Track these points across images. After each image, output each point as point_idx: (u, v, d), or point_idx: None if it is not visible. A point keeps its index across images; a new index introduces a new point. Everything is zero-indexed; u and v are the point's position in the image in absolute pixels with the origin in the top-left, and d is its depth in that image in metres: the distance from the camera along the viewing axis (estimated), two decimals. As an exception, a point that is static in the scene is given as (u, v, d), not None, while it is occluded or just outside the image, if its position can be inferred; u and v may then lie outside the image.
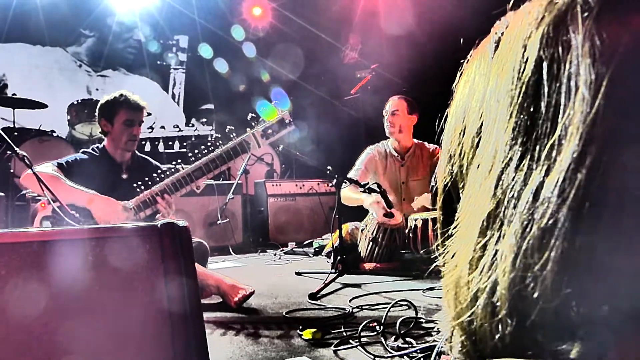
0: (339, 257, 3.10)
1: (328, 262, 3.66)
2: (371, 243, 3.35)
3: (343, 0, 5.88)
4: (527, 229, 0.27)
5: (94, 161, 2.81)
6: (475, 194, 0.32)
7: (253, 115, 2.60)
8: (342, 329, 2.04)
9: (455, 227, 0.34)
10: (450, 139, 0.37)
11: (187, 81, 7.24)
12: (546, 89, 0.28)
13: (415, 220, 3.32)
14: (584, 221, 0.25)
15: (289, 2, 6.46)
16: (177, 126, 7.02)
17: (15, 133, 4.82)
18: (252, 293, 2.50)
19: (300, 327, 2.04)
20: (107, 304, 0.73)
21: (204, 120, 7.19)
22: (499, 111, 0.31)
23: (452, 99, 0.38)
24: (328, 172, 3.10)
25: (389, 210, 3.21)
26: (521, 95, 0.29)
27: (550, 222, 0.26)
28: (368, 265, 3.38)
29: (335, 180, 3.04)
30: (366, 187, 3.04)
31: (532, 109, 0.29)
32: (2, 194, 4.09)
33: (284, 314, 2.37)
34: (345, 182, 3.14)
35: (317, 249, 4.32)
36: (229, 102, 6.88)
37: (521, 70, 0.30)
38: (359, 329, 1.92)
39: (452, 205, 0.37)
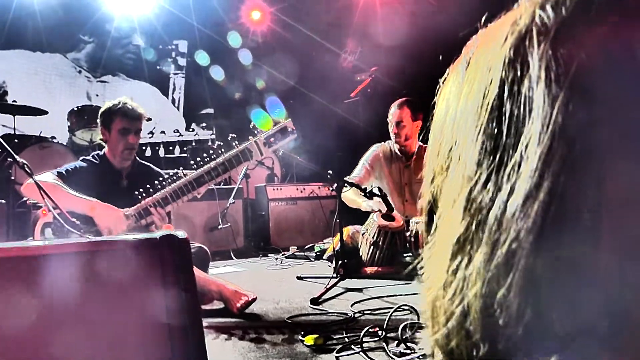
0: (340, 262, 3.09)
1: (330, 266, 3.65)
2: (372, 247, 3.35)
3: (342, 4, 5.89)
4: (493, 254, 0.27)
5: (93, 169, 2.81)
6: (446, 215, 0.32)
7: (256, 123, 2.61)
8: (344, 335, 2.03)
9: (429, 248, 0.34)
10: (430, 157, 0.37)
11: (187, 86, 7.24)
12: (507, 112, 0.28)
13: (417, 223, 3.31)
14: (545, 243, 0.26)
15: (288, 6, 6.46)
16: (178, 131, 7.03)
17: (16, 140, 4.82)
18: (254, 299, 2.49)
19: (302, 333, 2.04)
20: (105, 318, 0.73)
21: (204, 124, 7.19)
22: (467, 132, 0.31)
23: (432, 116, 0.39)
24: (329, 176, 3.09)
25: (389, 213, 3.21)
26: (486, 117, 0.30)
27: (513, 246, 0.26)
28: (369, 269, 3.38)
29: (336, 185, 3.04)
30: (367, 191, 3.04)
31: (496, 131, 0.29)
32: (3, 201, 4.09)
33: (286, 319, 2.36)
34: (346, 187, 3.14)
35: (318, 253, 4.31)
36: (229, 107, 6.88)
37: (485, 93, 0.30)
38: (361, 334, 1.91)
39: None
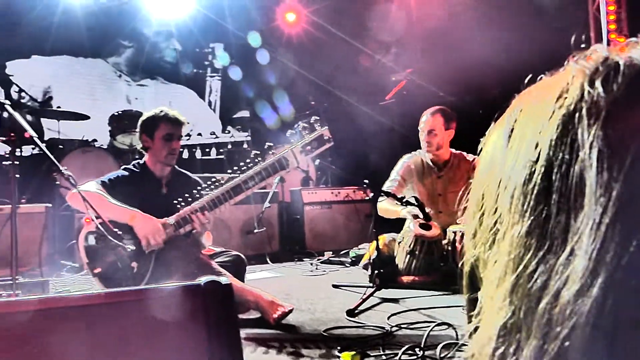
0: (376, 271, 3.06)
1: (365, 273, 3.63)
2: (409, 256, 3.30)
3: (377, 6, 5.83)
4: (544, 348, 0.26)
5: (134, 177, 2.87)
6: (492, 295, 0.31)
7: (292, 131, 2.61)
8: (382, 351, 2.01)
9: (474, 328, 0.33)
10: (471, 217, 0.36)
11: (223, 88, 7.34)
12: (556, 195, 0.27)
13: (455, 232, 3.25)
14: (598, 341, 0.24)
15: (322, 7, 6.45)
16: (214, 133, 7.13)
17: (60, 146, 5.01)
18: (291, 311, 2.50)
19: (339, 349, 2.03)
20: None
21: (240, 126, 7.27)
22: (513, 210, 0.30)
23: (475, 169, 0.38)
24: (364, 185, 3.07)
25: (426, 222, 3.16)
26: (533, 197, 0.28)
27: (565, 343, 0.25)
28: (406, 279, 3.33)
29: (372, 194, 3.01)
30: (403, 200, 3.00)
31: (544, 214, 0.28)
32: (50, 205, 4.26)
33: (322, 331, 2.35)
34: (382, 196, 3.10)
35: (353, 259, 4.29)
36: (264, 109, 6.95)
37: (532, 171, 0.29)
38: (400, 353, 1.88)
39: (476, 288, 0.37)
